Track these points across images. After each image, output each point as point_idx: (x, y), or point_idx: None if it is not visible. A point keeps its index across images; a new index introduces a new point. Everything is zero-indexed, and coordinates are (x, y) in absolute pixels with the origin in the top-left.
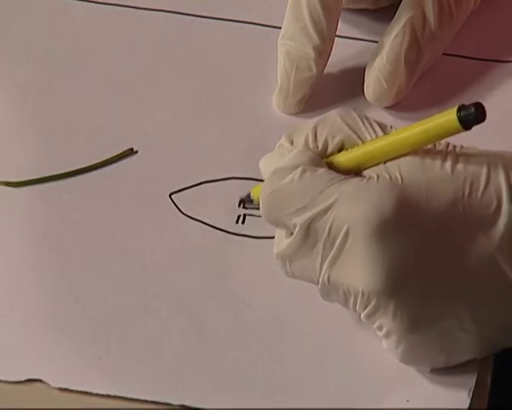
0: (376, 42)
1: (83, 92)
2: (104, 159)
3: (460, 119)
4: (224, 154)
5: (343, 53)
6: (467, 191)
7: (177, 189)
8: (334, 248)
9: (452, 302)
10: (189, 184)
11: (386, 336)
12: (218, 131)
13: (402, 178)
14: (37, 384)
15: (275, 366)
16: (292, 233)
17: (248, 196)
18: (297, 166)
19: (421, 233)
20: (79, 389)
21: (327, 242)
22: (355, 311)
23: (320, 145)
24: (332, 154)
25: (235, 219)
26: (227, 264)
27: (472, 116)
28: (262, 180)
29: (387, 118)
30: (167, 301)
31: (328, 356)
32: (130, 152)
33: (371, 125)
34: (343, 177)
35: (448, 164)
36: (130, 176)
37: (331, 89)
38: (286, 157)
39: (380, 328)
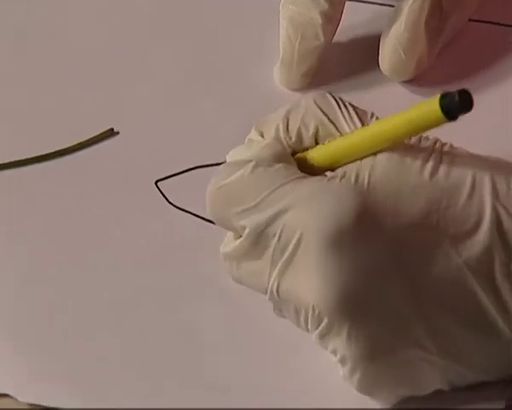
0: (393, 6)
1: (56, 66)
2: (81, 141)
3: (443, 108)
4: (217, 135)
5: (354, 19)
6: (444, 203)
7: (164, 175)
8: (285, 257)
9: (416, 328)
10: (177, 170)
11: (341, 361)
12: (212, 110)
13: (369, 181)
14: (6, 400)
15: (279, 378)
16: (240, 235)
17: None
18: (250, 161)
19: (383, 246)
20: (48, 405)
21: (277, 248)
22: (307, 330)
23: (293, 137)
24: (308, 147)
25: None
26: (221, 261)
27: (456, 105)
28: None
29: (406, 94)
30: (150, 303)
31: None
32: (111, 133)
33: (349, 112)
34: (301, 175)
35: (428, 168)
36: (111, 161)
37: (341, 60)
38: (250, 151)
39: (334, 352)
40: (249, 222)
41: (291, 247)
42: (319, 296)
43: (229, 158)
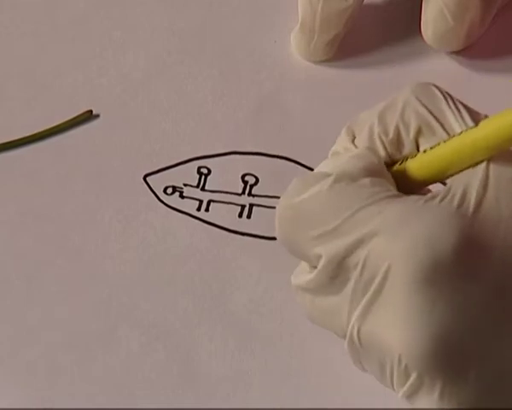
0: None
1: (27, 41)
2: (55, 124)
3: None
4: (221, 119)
5: None
6: None
7: (154, 168)
8: (369, 294)
9: None
10: (171, 163)
11: None
12: (214, 87)
13: (477, 203)
14: None
15: None
16: (315, 265)
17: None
18: (330, 174)
19: (488, 285)
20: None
21: (359, 283)
22: (393, 388)
23: (390, 136)
24: (408, 155)
25: (238, 210)
26: (224, 274)
27: None
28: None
29: (453, 67)
30: (139, 328)
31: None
32: (89, 116)
33: (459, 109)
34: (393, 193)
35: None
36: (89, 148)
37: (374, 27)
38: (334, 163)
39: None
40: (326, 250)
41: (376, 282)
42: (406, 344)
43: (318, 169)
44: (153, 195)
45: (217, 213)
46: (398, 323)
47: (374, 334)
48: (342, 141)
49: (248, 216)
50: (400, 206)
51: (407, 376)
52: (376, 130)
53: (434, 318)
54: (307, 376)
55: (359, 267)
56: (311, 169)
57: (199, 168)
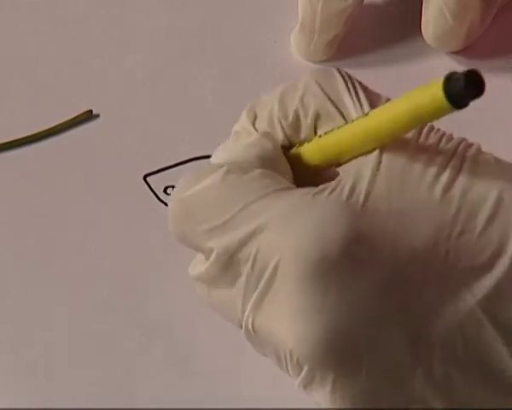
0: None
1: (29, 40)
2: (55, 124)
3: (447, 93)
4: (221, 119)
5: None
6: (457, 229)
7: (154, 168)
8: (260, 287)
9: (415, 383)
10: (171, 162)
11: None
12: (214, 87)
13: (366, 196)
14: None
15: None
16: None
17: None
18: (222, 166)
19: (378, 282)
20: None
21: (251, 277)
22: (290, 375)
23: (289, 123)
24: (305, 139)
25: None
26: None
27: (461, 89)
28: None
29: (453, 67)
30: (139, 327)
31: None
32: (89, 116)
33: (357, 93)
34: (283, 186)
35: (442, 180)
36: (89, 148)
37: (373, 27)
38: (232, 151)
39: (318, 404)
40: (217, 244)
41: (266, 276)
42: (297, 339)
43: (213, 158)
44: (153, 195)
45: None
46: (288, 317)
47: (266, 327)
48: (243, 122)
49: None
50: (289, 200)
51: (300, 369)
52: (276, 113)
53: (323, 313)
54: None
55: (250, 261)
56: None
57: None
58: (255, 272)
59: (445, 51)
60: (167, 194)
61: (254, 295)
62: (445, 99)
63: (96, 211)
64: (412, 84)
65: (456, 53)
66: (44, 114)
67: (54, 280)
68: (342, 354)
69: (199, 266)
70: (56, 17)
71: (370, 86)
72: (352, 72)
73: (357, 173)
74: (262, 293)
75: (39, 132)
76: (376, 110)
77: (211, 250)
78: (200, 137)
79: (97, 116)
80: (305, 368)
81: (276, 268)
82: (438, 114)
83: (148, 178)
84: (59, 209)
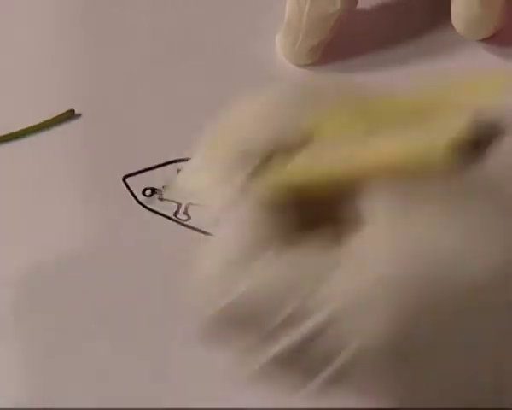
0: None
1: (8, 36)
2: (36, 123)
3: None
4: (202, 121)
5: None
6: None
7: (134, 170)
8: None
9: None
10: (151, 164)
11: None
12: (195, 89)
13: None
14: None
15: None
16: None
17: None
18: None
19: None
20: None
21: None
22: None
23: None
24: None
25: None
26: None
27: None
28: None
29: (483, 56)
30: (111, 332)
31: None
32: (71, 115)
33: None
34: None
35: None
36: (70, 147)
37: (360, 31)
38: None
39: None
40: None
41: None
42: None
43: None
44: (131, 196)
45: (195, 216)
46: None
47: None
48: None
49: None
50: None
51: None
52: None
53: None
54: None
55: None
56: None
57: (179, 170)
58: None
59: (473, 39)
60: (146, 196)
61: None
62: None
63: (76, 211)
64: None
65: (485, 41)
66: (26, 112)
67: (34, 278)
68: None
69: None
70: (39, 16)
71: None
72: (337, 76)
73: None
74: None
75: (20, 130)
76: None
77: None
78: (180, 139)
79: (79, 116)
80: None
81: (349, 361)
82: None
83: (127, 179)
84: (37, 208)
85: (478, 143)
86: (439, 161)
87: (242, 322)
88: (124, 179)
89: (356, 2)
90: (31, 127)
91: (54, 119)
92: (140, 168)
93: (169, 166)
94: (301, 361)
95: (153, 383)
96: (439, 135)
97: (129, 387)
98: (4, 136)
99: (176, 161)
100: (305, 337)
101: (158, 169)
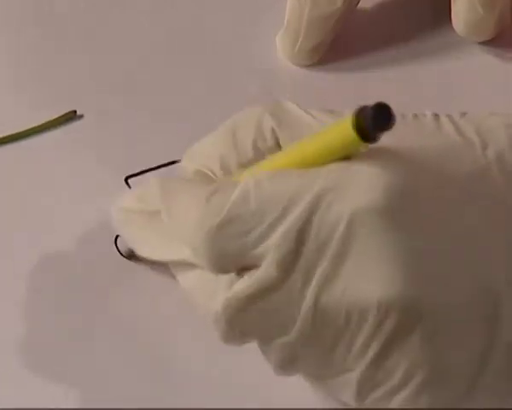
0: None
1: (10, 37)
2: (38, 124)
3: (357, 127)
4: (204, 122)
5: None
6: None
7: (136, 170)
8: (329, 256)
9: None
10: (153, 165)
11: (404, 380)
12: (198, 90)
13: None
14: None
15: None
16: (240, 272)
17: None
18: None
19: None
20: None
21: (314, 250)
22: (345, 362)
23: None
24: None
25: None
26: None
27: (369, 124)
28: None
29: (482, 58)
30: (111, 329)
31: None
32: (73, 116)
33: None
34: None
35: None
36: (72, 148)
37: (360, 32)
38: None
39: (392, 371)
40: (272, 241)
41: (335, 242)
42: (386, 284)
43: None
44: None
45: None
46: (372, 270)
47: (339, 295)
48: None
49: None
50: (333, 168)
51: (385, 321)
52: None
53: (409, 256)
54: None
55: (313, 234)
56: None
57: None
58: (320, 242)
59: (474, 42)
60: None
61: (321, 269)
62: (354, 133)
63: (77, 211)
64: (401, 89)
65: (486, 43)
66: (28, 113)
67: (38, 279)
68: (432, 298)
69: (238, 285)
70: (41, 16)
71: (357, 91)
72: (338, 76)
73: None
74: (333, 261)
75: (22, 132)
76: (292, 146)
77: (261, 255)
78: (182, 140)
79: (81, 116)
80: (392, 319)
81: (348, 229)
82: (351, 148)
83: (129, 180)
84: (39, 209)
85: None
86: (351, 138)
87: (231, 232)
88: (126, 180)
89: (356, 2)
90: (33, 128)
91: (56, 120)
92: (142, 169)
93: (171, 166)
94: (289, 261)
95: (153, 383)
96: (337, 122)
97: (129, 387)
98: (7, 137)
99: (178, 161)
100: (300, 222)
101: (160, 170)
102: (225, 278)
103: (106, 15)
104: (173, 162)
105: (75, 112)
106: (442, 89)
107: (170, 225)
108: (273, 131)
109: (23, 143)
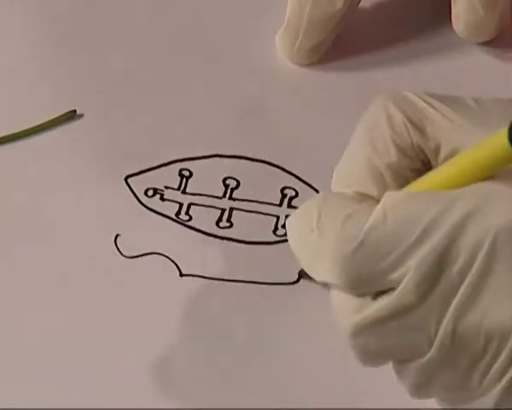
0: None
1: (9, 36)
2: (38, 124)
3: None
4: (204, 121)
5: None
6: None
7: (136, 170)
8: (470, 279)
9: None
10: (153, 164)
11: None
12: (197, 89)
13: None
14: None
15: None
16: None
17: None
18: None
19: None
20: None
21: (455, 276)
22: (481, 387)
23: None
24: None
25: (218, 214)
26: (208, 283)
27: None
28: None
29: (482, 59)
30: (111, 329)
31: None
32: (73, 116)
33: (433, 105)
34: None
35: None
36: (72, 148)
37: (360, 31)
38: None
39: None
40: (419, 259)
41: (479, 261)
42: None
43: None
44: (133, 196)
45: (197, 217)
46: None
47: (480, 321)
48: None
49: (228, 220)
50: (479, 187)
51: None
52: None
53: None
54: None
55: (454, 259)
56: (293, 174)
57: (180, 170)
58: (461, 265)
59: (474, 43)
60: (148, 196)
61: (461, 293)
62: (509, 147)
63: (77, 211)
64: (401, 89)
65: (487, 44)
66: (28, 113)
67: (37, 279)
68: None
69: (367, 306)
70: (41, 16)
71: (357, 91)
72: (337, 76)
73: None
74: (475, 283)
75: (22, 131)
76: (446, 163)
77: (397, 279)
78: (182, 140)
79: (81, 116)
80: None
81: (491, 248)
82: (502, 161)
83: (129, 180)
84: (39, 208)
85: None
86: (506, 151)
87: (374, 257)
88: (126, 180)
89: (357, 3)
90: (33, 128)
91: (56, 119)
92: (142, 168)
93: (171, 166)
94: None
95: (153, 383)
96: (491, 137)
97: (129, 387)
98: (6, 136)
99: (178, 160)
100: (440, 246)
101: (160, 169)
102: (359, 300)
103: (106, 15)
104: (174, 162)
105: (75, 111)
106: (442, 89)
107: (317, 244)
108: (405, 126)
109: (23, 143)
